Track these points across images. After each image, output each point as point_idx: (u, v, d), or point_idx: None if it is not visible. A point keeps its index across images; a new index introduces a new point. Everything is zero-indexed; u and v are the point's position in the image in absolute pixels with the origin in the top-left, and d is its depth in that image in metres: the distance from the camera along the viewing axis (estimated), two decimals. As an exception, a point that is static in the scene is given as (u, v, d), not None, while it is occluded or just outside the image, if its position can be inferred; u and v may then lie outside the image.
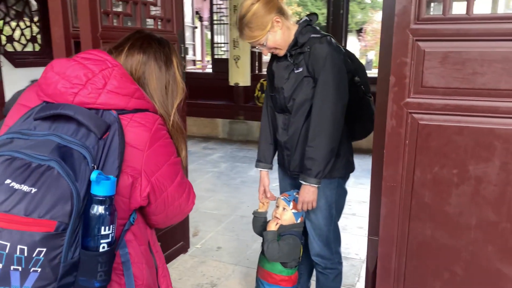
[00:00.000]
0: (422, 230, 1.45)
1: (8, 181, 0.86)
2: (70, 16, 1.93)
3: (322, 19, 24.41)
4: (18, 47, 5.19)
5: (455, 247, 1.42)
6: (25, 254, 0.84)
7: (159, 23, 2.29)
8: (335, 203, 2.04)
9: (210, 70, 8.43)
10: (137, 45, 1.21)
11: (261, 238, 2.06)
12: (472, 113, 1.33)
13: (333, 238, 2.10)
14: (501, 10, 1.41)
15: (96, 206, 0.92)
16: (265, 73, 7.25)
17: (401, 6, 1.33)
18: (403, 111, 1.39)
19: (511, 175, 1.32)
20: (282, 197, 2.06)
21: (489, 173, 1.34)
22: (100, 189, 0.92)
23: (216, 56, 7.70)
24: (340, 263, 2.18)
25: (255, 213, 2.16)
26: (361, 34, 19.86)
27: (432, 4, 1.52)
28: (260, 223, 2.13)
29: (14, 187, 0.85)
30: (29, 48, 5.27)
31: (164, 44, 1.24)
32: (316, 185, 1.86)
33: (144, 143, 1.06)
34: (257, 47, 1.94)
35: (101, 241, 0.93)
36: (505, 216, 1.35)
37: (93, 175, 0.91)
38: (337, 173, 1.98)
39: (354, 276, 2.87)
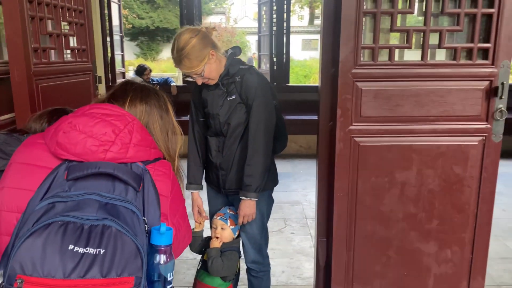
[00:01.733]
0: (364, 227, 1.85)
1: (71, 246, 0.84)
2: (-10, 52, 1.75)
3: (150, 22, 23.76)
4: None
5: (389, 237, 1.86)
6: None
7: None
8: (266, 212, 2.31)
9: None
10: (138, 96, 1.24)
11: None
12: (397, 135, 1.77)
13: (264, 244, 2.36)
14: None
15: (158, 256, 0.98)
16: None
17: (344, 55, 1.69)
18: (348, 136, 1.76)
19: (424, 178, 1.81)
20: (218, 217, 2.20)
21: (409, 178, 1.80)
22: (163, 240, 0.98)
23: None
24: (269, 264, 2.46)
25: (192, 233, 2.27)
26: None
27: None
28: (198, 242, 2.25)
29: (79, 251, 0.84)
30: None
31: (159, 94, 1.29)
32: (256, 199, 2.08)
33: (168, 190, 1.11)
34: (192, 76, 2.07)
35: (167, 287, 1.00)
36: (421, 208, 1.83)
37: (163, 228, 0.98)
38: (267, 185, 2.23)
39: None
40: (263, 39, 7.15)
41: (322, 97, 1.85)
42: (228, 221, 2.15)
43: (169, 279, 1.00)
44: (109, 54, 6.94)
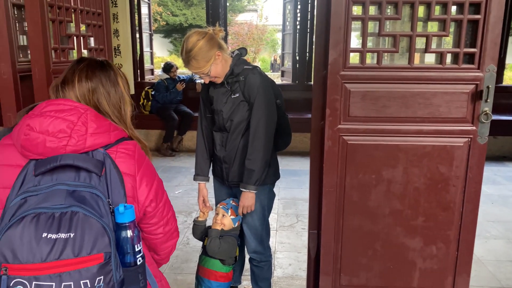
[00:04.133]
0: (352, 221, 1.94)
1: (44, 234, 0.95)
2: (15, 52, 1.96)
3: (184, 20, 24.06)
4: None
5: (375, 231, 1.95)
6: (89, 286, 0.96)
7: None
8: (267, 205, 2.43)
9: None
10: (83, 76, 1.25)
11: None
12: (383, 134, 1.86)
13: (265, 235, 2.49)
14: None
15: (124, 231, 1.07)
16: (148, 80, 7.34)
17: (333, 58, 1.79)
18: (336, 134, 1.86)
19: (410, 176, 1.89)
20: (221, 206, 2.36)
21: (396, 176, 1.89)
22: (125, 218, 1.07)
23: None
24: (271, 256, 2.58)
25: (195, 221, 2.42)
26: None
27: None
28: (200, 230, 2.40)
29: (52, 237, 0.95)
30: None
31: (107, 68, 1.29)
32: (255, 191, 2.21)
33: (133, 169, 1.18)
34: (200, 75, 2.22)
35: (137, 256, 1.09)
36: (407, 205, 1.92)
37: (121, 209, 1.06)
38: (268, 180, 2.35)
39: (271, 265, 3.32)
40: (287, 37, 7.24)
41: (314, 98, 1.96)
42: (229, 211, 2.30)
43: (137, 249, 1.11)
44: (138, 52, 7.23)
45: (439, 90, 1.82)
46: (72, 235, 0.96)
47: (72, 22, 2.16)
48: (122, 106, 1.28)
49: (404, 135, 1.86)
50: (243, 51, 2.30)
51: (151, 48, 7.93)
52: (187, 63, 2.12)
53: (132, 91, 6.73)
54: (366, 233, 1.95)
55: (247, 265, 2.65)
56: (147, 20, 7.65)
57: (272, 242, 3.57)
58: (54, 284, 0.94)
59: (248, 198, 2.21)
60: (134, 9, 6.97)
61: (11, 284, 0.93)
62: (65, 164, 1.05)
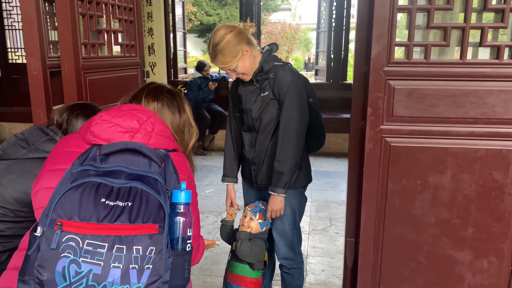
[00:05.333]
0: (393, 230, 1.79)
1: (103, 200, 0.98)
2: (45, 48, 1.91)
3: (217, 19, 24.27)
4: None
5: (419, 241, 1.79)
6: (141, 253, 0.96)
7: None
8: (298, 210, 2.31)
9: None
10: (151, 94, 1.39)
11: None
12: (431, 136, 1.70)
13: (296, 241, 2.36)
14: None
15: (180, 213, 1.08)
16: (181, 78, 7.33)
17: (376, 52, 1.65)
18: (378, 135, 1.72)
19: (459, 182, 1.72)
20: (249, 209, 2.25)
21: (443, 182, 1.73)
22: (184, 197, 1.09)
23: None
24: (302, 262, 2.45)
25: (223, 221, 2.34)
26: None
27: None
28: (227, 230, 2.31)
29: (110, 204, 0.98)
30: None
31: (174, 94, 1.43)
32: (284, 195, 2.09)
33: (184, 175, 1.22)
34: (227, 72, 2.12)
35: (187, 241, 1.08)
36: (456, 214, 1.75)
37: (183, 185, 1.09)
38: (299, 183, 2.23)
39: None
40: (322, 35, 7.07)
41: (354, 95, 1.82)
42: (257, 214, 2.20)
43: (188, 234, 1.10)
44: (172, 50, 7.25)
45: (494, 88, 1.64)
46: (130, 204, 0.98)
47: (102, 16, 2.11)
48: (185, 130, 1.39)
49: (454, 138, 1.69)
50: (273, 46, 2.18)
51: (185, 47, 7.95)
52: (213, 57, 2.03)
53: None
54: (408, 243, 1.80)
55: (277, 270, 2.54)
56: (181, 20, 7.67)
57: (304, 246, 3.44)
58: (107, 245, 0.94)
59: (277, 202, 2.10)
60: (169, 9, 6.98)
61: (63, 240, 0.95)
62: (131, 148, 1.09)
